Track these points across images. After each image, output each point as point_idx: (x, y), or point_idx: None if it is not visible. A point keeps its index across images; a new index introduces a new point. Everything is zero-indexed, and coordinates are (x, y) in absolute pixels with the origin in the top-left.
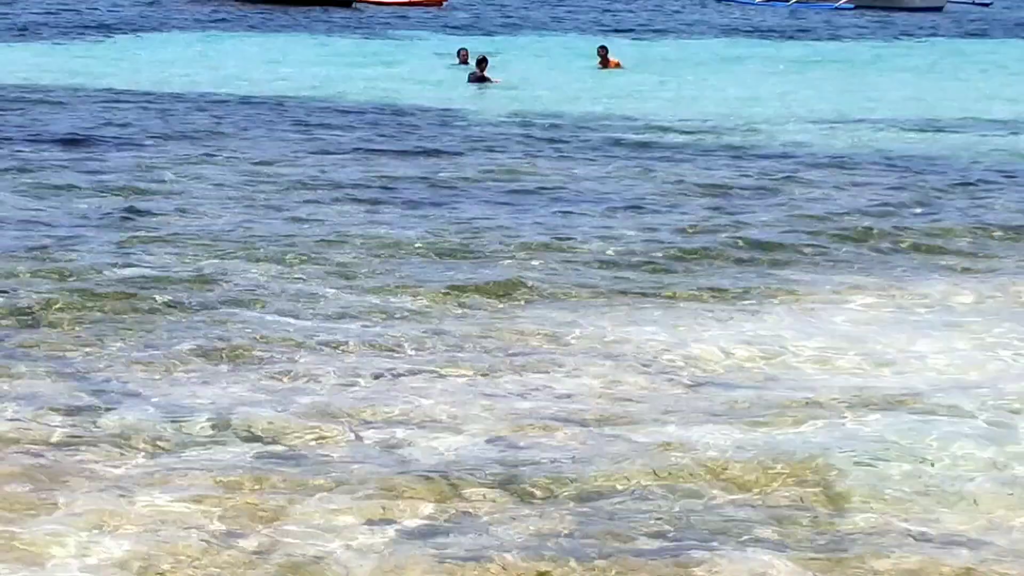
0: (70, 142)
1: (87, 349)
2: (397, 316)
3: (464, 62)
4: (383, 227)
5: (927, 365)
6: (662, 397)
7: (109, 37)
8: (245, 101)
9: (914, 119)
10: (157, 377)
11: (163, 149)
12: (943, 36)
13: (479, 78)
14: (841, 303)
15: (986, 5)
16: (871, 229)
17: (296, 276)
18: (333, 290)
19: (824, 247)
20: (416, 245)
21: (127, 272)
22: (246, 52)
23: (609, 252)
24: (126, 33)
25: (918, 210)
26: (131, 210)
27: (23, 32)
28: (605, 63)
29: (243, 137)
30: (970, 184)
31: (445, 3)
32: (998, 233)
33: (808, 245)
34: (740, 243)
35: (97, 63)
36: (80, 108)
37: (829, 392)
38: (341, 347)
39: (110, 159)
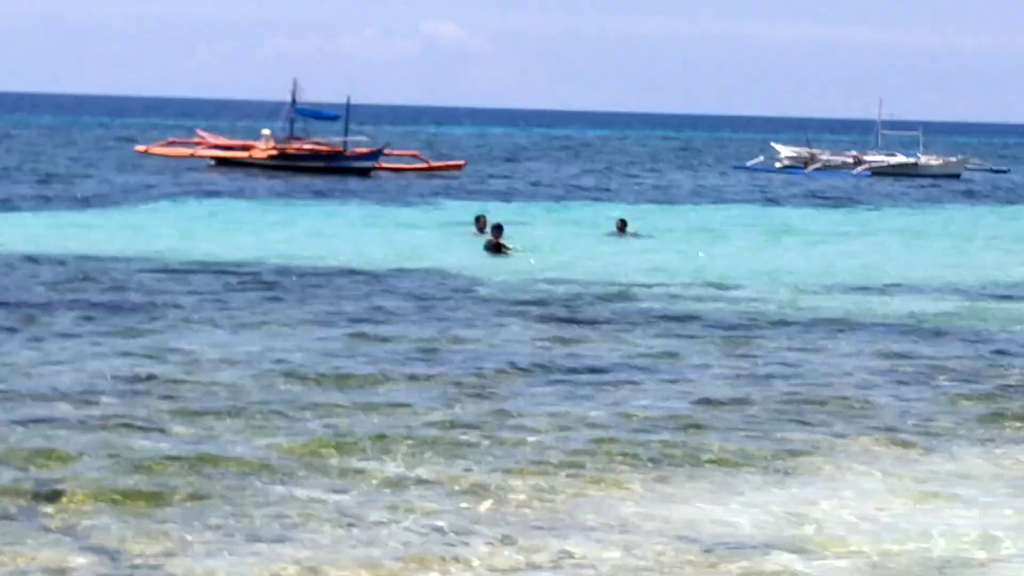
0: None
1: None
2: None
3: (483, 229)
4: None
5: (942, 543)
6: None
7: (135, 206)
8: (256, 267)
9: (935, 288)
10: None
11: (181, 317)
12: (959, 203)
13: (494, 246)
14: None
15: (1004, 172)
16: (891, 402)
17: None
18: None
19: (840, 411)
20: (428, 418)
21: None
22: (263, 220)
23: (629, 421)
24: (153, 201)
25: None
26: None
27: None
28: (622, 231)
29: (250, 303)
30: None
31: (464, 168)
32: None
33: (820, 411)
34: (749, 408)
35: (105, 232)
36: (101, 278)
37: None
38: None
39: (125, 324)
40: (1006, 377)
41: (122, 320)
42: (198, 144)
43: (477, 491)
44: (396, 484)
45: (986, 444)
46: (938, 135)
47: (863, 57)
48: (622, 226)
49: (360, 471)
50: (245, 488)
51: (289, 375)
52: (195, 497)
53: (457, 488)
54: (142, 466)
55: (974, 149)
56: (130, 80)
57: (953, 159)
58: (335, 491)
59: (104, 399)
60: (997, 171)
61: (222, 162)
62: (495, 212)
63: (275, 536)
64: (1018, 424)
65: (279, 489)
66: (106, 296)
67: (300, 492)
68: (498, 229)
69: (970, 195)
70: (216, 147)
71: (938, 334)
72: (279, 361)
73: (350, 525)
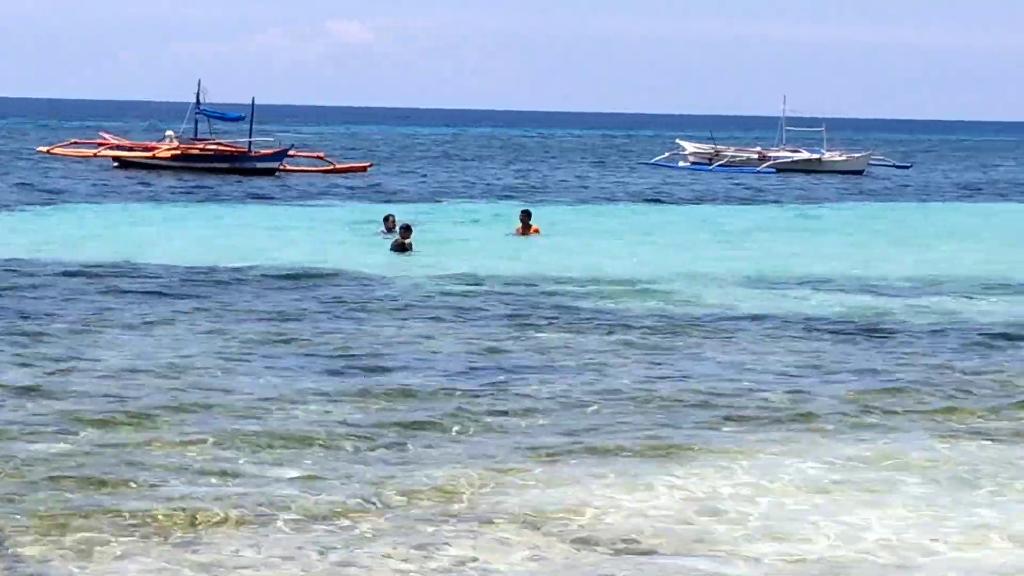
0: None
1: None
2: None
3: (391, 229)
4: (304, 401)
5: (879, 540)
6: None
7: (35, 207)
8: (162, 269)
9: (840, 285)
10: None
11: (62, 320)
12: (861, 200)
13: (401, 246)
14: (770, 463)
15: (906, 168)
16: (795, 391)
17: (216, 449)
18: (254, 464)
19: (747, 408)
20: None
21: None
22: (165, 221)
23: (536, 420)
24: (54, 202)
25: (837, 371)
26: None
27: None
28: (526, 228)
29: (154, 305)
30: (891, 342)
31: (370, 169)
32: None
33: (729, 403)
34: (657, 403)
35: (12, 233)
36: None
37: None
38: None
39: (20, 328)
40: (907, 371)
41: (16, 324)
42: (101, 145)
43: (381, 491)
44: (302, 485)
45: (891, 435)
46: (843, 131)
47: (768, 54)
48: (526, 220)
49: (259, 474)
50: (143, 489)
51: (192, 377)
52: (97, 502)
53: (362, 488)
54: (36, 470)
55: (881, 146)
56: (30, 82)
57: (856, 155)
58: (236, 493)
59: None
60: (900, 167)
61: (125, 163)
62: (402, 212)
63: (177, 539)
64: (918, 416)
65: (181, 490)
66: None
67: (201, 491)
68: (406, 229)
69: (872, 191)
70: (119, 148)
71: (841, 330)
72: (182, 364)
73: (253, 527)
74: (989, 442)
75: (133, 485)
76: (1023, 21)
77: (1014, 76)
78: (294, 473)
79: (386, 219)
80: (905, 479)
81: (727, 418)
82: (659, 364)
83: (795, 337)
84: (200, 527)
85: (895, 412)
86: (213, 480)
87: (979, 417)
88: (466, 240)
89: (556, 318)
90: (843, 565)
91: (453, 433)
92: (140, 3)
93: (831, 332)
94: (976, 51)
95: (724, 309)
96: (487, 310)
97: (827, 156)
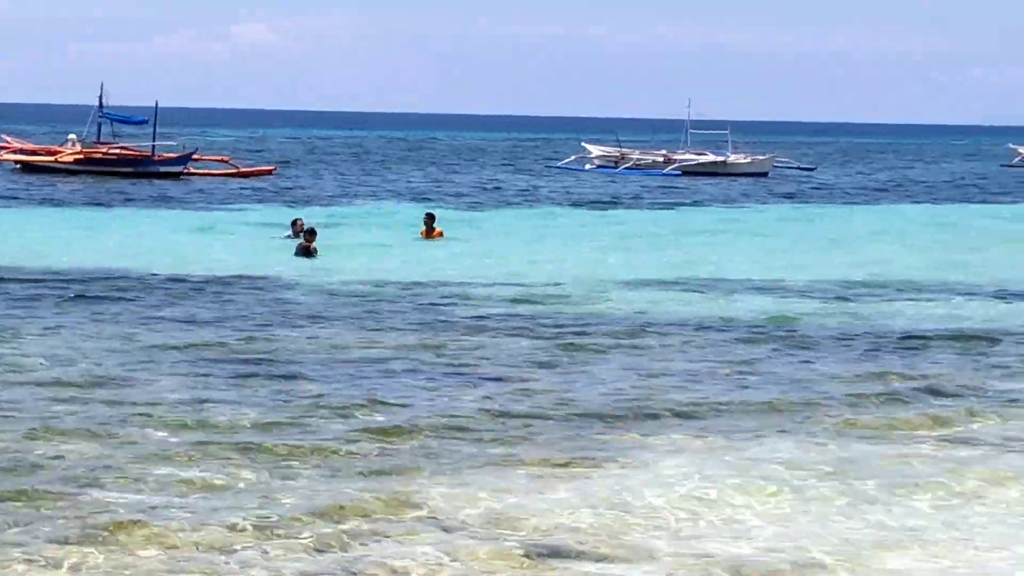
0: None
1: None
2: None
3: (298, 233)
4: (210, 404)
5: (772, 531)
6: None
7: None
8: (64, 275)
9: (746, 287)
10: None
11: None
12: (766, 203)
13: (306, 250)
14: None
15: (810, 170)
16: (705, 396)
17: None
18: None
19: (653, 410)
20: (239, 420)
21: None
22: (68, 226)
23: (435, 418)
24: None
25: (730, 372)
26: None
27: None
28: (429, 232)
29: (60, 311)
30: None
31: (275, 172)
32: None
33: (638, 408)
34: (568, 408)
35: None
36: None
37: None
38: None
39: None
40: (811, 371)
41: None
42: (1, 148)
43: (286, 492)
44: (201, 488)
45: (797, 438)
46: (748, 134)
47: (673, 57)
48: (430, 223)
49: (168, 483)
50: (51, 498)
51: (96, 384)
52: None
53: (264, 491)
54: None
55: (785, 148)
56: None
57: (761, 157)
58: (139, 495)
59: None
60: (804, 169)
61: (27, 167)
62: (308, 215)
63: (78, 538)
64: (830, 419)
65: (92, 495)
66: None
67: (100, 495)
68: (311, 233)
69: (776, 193)
70: (20, 151)
71: (753, 334)
72: (85, 370)
73: (153, 530)
74: (886, 445)
75: (41, 492)
76: (928, 26)
77: (911, 79)
78: (194, 480)
79: (293, 223)
80: (813, 483)
81: (638, 422)
82: (567, 369)
83: (706, 341)
84: (112, 534)
85: (805, 415)
86: (123, 487)
87: (884, 419)
88: (371, 243)
89: (457, 322)
90: (745, 563)
91: (357, 441)
92: (39, 3)
93: (742, 336)
94: (877, 55)
95: (632, 313)
96: (389, 314)
97: (732, 158)
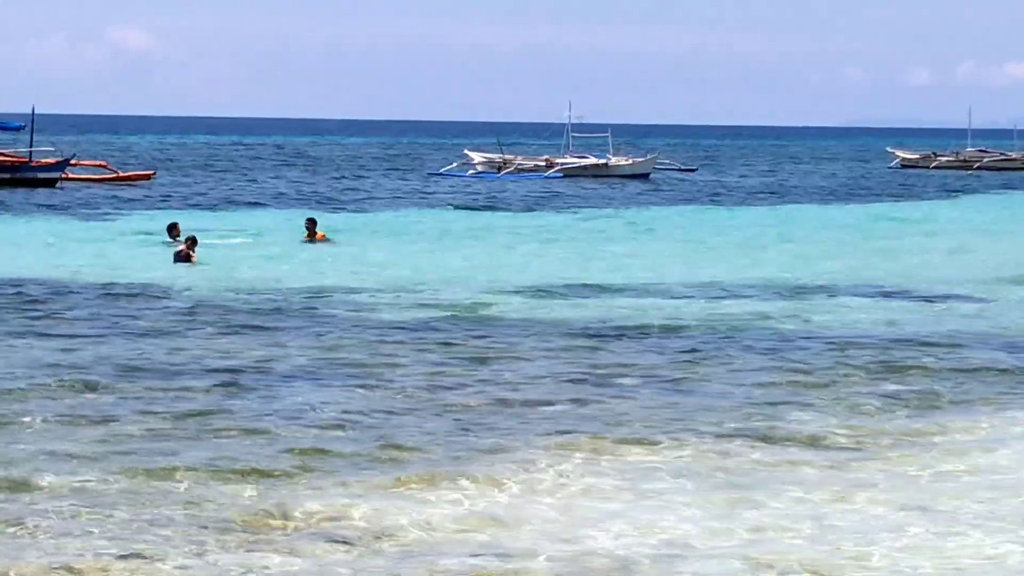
0: None
1: None
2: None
3: (176, 237)
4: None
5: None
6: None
7: None
8: None
9: (626, 288)
10: None
11: None
12: (648, 204)
13: (186, 256)
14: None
15: (692, 171)
16: (583, 399)
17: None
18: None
19: (529, 416)
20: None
21: None
22: None
23: (328, 424)
24: None
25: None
26: None
27: None
28: (312, 236)
29: None
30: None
31: (153, 178)
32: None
33: (519, 415)
34: (459, 411)
35: None
36: None
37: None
38: None
39: None
40: (695, 372)
41: None
42: None
43: (174, 500)
44: (89, 494)
45: (675, 441)
46: (632, 137)
47: (554, 60)
48: (312, 227)
49: (41, 485)
50: None
51: None
52: None
53: (158, 499)
54: None
55: (664, 150)
56: None
57: (642, 159)
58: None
59: None
60: (685, 170)
61: None
62: (187, 220)
63: None
64: (708, 422)
65: None
66: None
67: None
68: (191, 241)
69: (655, 193)
70: None
71: (631, 336)
72: None
73: (29, 534)
74: (764, 445)
75: None
76: (800, 23)
77: (791, 81)
78: (63, 487)
79: (170, 228)
80: (684, 484)
81: (520, 430)
82: (446, 372)
83: (581, 345)
84: None
85: (683, 420)
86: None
87: (765, 421)
88: (252, 249)
89: (341, 325)
90: (626, 562)
91: (237, 444)
92: None
93: (622, 339)
94: (756, 55)
95: (513, 316)
96: (273, 318)
97: (613, 161)
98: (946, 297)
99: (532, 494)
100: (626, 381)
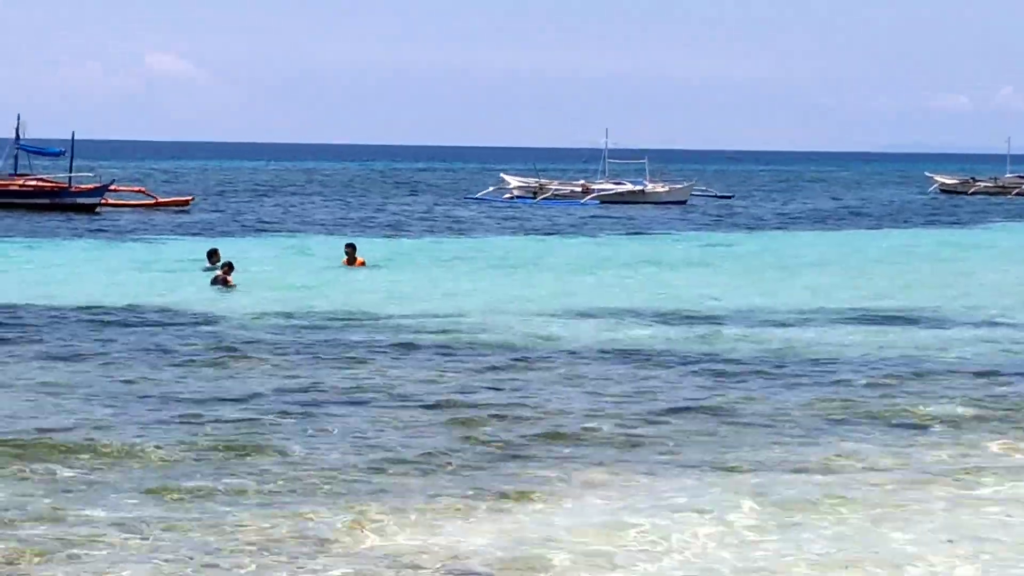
0: None
1: None
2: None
3: (216, 264)
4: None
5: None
6: None
7: None
8: None
9: (659, 313)
10: None
11: None
12: (685, 231)
13: (223, 281)
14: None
15: (728, 198)
16: (609, 428)
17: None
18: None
19: (579, 442)
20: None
21: None
22: None
23: (364, 454)
24: None
25: (651, 405)
26: None
27: None
28: (352, 261)
29: None
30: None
31: (191, 204)
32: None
33: (561, 440)
34: (490, 439)
35: None
36: None
37: None
38: None
39: None
40: (726, 396)
41: None
42: None
43: (211, 526)
44: (113, 525)
45: (728, 469)
46: (664, 163)
47: (590, 87)
48: (351, 253)
49: (84, 515)
50: None
51: (4, 421)
52: None
53: (200, 526)
54: None
55: (701, 176)
56: None
57: (679, 186)
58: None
59: None
60: (722, 197)
61: None
62: (226, 246)
63: None
64: (759, 450)
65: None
66: None
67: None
68: (228, 266)
69: (693, 221)
70: None
71: (661, 359)
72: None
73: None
74: (818, 474)
75: None
76: (835, 50)
77: (824, 107)
78: (102, 519)
79: (210, 254)
80: (743, 511)
81: (562, 454)
82: (488, 399)
83: (626, 371)
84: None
85: (734, 448)
86: (34, 526)
87: (820, 449)
88: (291, 274)
89: (379, 350)
90: None
91: (276, 469)
92: None
93: (662, 364)
94: (784, 83)
95: (555, 343)
96: (311, 344)
97: (650, 187)
98: (1014, 325)
99: (580, 522)
100: (674, 408)
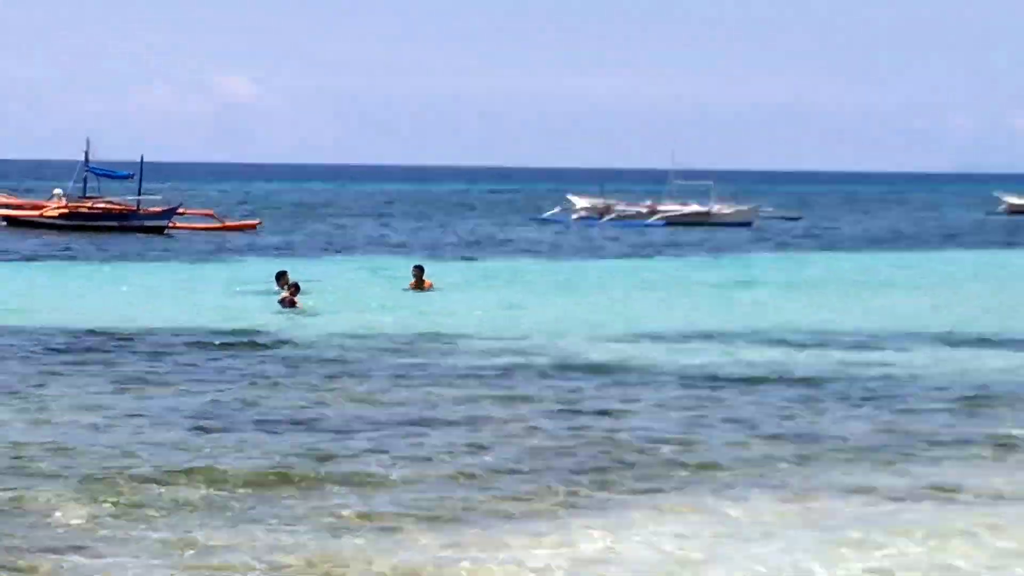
0: None
1: None
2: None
3: (284, 286)
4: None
5: None
6: None
7: None
8: (47, 332)
9: (732, 335)
10: None
11: None
12: (750, 252)
13: (291, 303)
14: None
15: (796, 219)
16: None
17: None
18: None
19: (650, 465)
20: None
21: None
22: (55, 281)
23: (411, 473)
24: None
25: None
26: None
27: None
28: (419, 284)
29: (41, 369)
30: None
31: (259, 227)
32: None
33: (632, 464)
34: (560, 463)
35: None
36: None
37: None
38: None
39: None
40: (803, 419)
41: None
42: None
43: (296, 548)
44: (201, 544)
45: (777, 489)
46: (731, 184)
47: (656, 109)
48: (419, 275)
49: (150, 537)
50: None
51: (77, 440)
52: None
53: (275, 550)
54: None
55: (767, 197)
56: None
57: (745, 207)
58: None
59: None
60: (789, 219)
61: (12, 222)
62: (294, 268)
63: None
64: (830, 470)
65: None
66: None
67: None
68: (295, 288)
69: (761, 242)
70: (6, 207)
71: (744, 381)
72: (67, 429)
73: None
74: (890, 495)
75: (32, 556)
76: (897, 77)
77: (889, 129)
78: (197, 540)
79: (279, 276)
80: (808, 533)
81: (631, 478)
82: (560, 422)
83: (699, 394)
84: None
85: (806, 468)
86: (108, 549)
87: (891, 471)
88: (358, 296)
89: (447, 374)
90: None
91: (350, 493)
92: (24, 60)
93: (737, 387)
94: (853, 106)
95: (625, 365)
96: (378, 367)
97: (716, 209)
98: None
99: (656, 548)
100: (747, 430)
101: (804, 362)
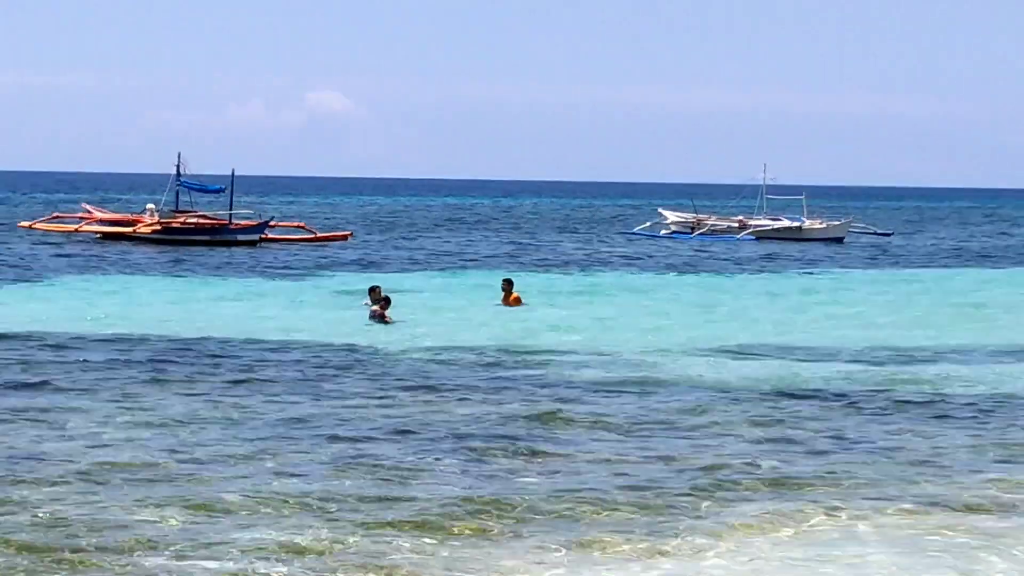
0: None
1: None
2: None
3: (377, 300)
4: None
5: None
6: None
7: (20, 283)
8: (145, 343)
9: (824, 351)
10: None
11: (67, 396)
12: (841, 267)
13: (381, 317)
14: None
15: (887, 235)
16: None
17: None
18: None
19: (725, 487)
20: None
21: None
22: (149, 295)
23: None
24: (39, 277)
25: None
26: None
27: None
28: (508, 298)
29: (138, 381)
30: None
31: (350, 239)
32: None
33: (722, 485)
34: (651, 484)
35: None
36: None
37: None
38: None
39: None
40: (898, 436)
41: (10, 400)
42: (83, 219)
43: (383, 557)
44: (265, 550)
45: (901, 510)
46: (823, 199)
47: (747, 122)
48: (508, 288)
49: (236, 541)
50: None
51: (174, 449)
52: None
53: (369, 561)
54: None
55: (859, 212)
56: (8, 154)
57: (836, 223)
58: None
59: None
60: (881, 234)
61: (107, 236)
62: (385, 281)
63: None
64: (919, 488)
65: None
66: None
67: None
68: (386, 301)
69: (853, 258)
70: (101, 221)
71: (825, 397)
72: (163, 434)
73: None
74: (973, 514)
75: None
76: (992, 91)
77: (983, 144)
78: (289, 545)
79: (371, 290)
80: (896, 551)
81: (722, 498)
82: (652, 443)
83: (793, 406)
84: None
85: (894, 485)
86: (220, 557)
87: (973, 488)
88: (448, 310)
89: (537, 390)
90: None
91: (434, 505)
92: (118, 74)
93: (838, 407)
94: (947, 119)
95: (717, 380)
96: (468, 382)
97: (807, 224)
98: None
99: (739, 566)
100: (835, 447)
101: (895, 377)
